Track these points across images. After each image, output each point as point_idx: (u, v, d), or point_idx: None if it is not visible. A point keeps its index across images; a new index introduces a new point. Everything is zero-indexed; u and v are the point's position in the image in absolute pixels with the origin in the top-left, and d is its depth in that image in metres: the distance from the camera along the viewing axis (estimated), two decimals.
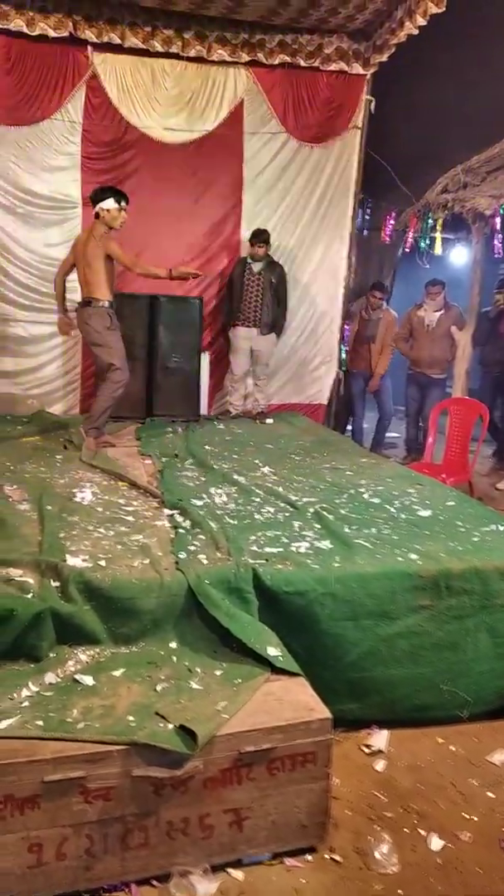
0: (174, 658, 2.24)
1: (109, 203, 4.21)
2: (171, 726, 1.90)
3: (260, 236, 5.36)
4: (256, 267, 5.43)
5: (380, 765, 2.36)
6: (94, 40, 5.12)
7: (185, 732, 1.86)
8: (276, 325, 5.56)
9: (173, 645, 2.30)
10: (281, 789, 1.95)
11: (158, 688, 2.08)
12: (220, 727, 1.90)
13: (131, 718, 1.92)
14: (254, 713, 1.98)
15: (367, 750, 2.43)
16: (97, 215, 4.25)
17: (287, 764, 1.95)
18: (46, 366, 5.47)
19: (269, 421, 5.48)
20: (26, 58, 5.05)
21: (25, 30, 4.95)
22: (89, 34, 5.10)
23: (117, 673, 2.15)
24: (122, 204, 4.24)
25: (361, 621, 2.41)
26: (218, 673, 2.17)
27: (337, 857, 1.97)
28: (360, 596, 2.40)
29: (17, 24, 4.94)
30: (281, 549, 2.61)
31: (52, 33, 5.02)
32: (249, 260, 5.45)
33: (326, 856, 1.98)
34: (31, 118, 5.14)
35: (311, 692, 2.08)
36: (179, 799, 1.86)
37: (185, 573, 2.36)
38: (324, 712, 1.99)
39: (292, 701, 2.04)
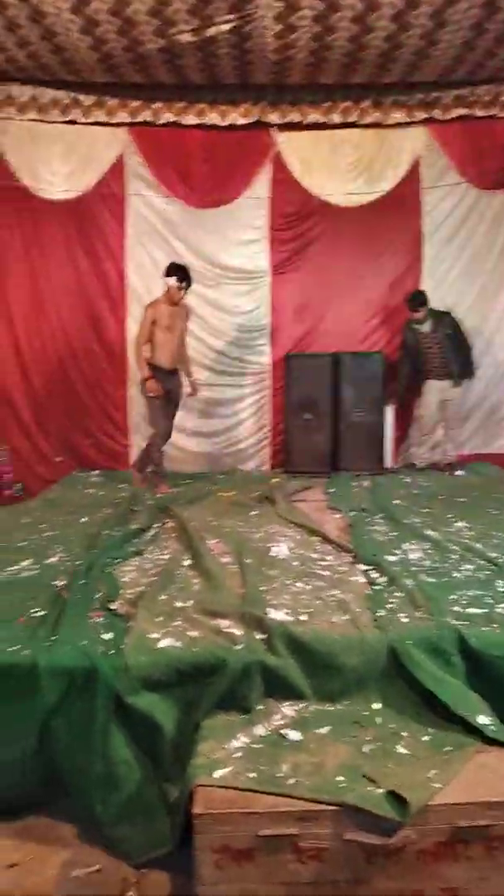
0: (378, 719, 2.21)
1: (171, 281, 4.70)
2: (380, 791, 1.86)
3: (416, 300, 5.31)
4: (425, 328, 5.36)
5: None
6: (278, 122, 5.51)
7: (396, 799, 1.82)
8: (466, 372, 5.42)
9: (377, 705, 2.26)
10: (501, 871, 1.82)
11: (365, 749, 2.06)
12: (433, 796, 1.83)
13: (340, 778, 1.92)
14: (468, 785, 1.89)
15: None
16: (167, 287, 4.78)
17: None
18: (239, 426, 5.78)
19: (460, 473, 5.30)
20: (218, 146, 5.55)
21: (218, 122, 5.46)
22: (273, 117, 5.50)
23: (323, 730, 2.15)
24: (183, 284, 4.73)
25: None
26: (425, 739, 2.11)
27: None
28: None
29: (212, 118, 5.47)
30: (486, 611, 2.50)
31: (241, 121, 5.49)
32: (414, 325, 5.39)
33: None
34: (224, 199, 5.59)
35: None
36: (392, 869, 1.80)
37: (386, 632, 2.34)
38: None
39: None
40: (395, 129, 5.58)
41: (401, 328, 5.72)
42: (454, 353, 5.33)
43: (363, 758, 2.02)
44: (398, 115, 5.51)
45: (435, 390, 5.42)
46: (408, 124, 5.55)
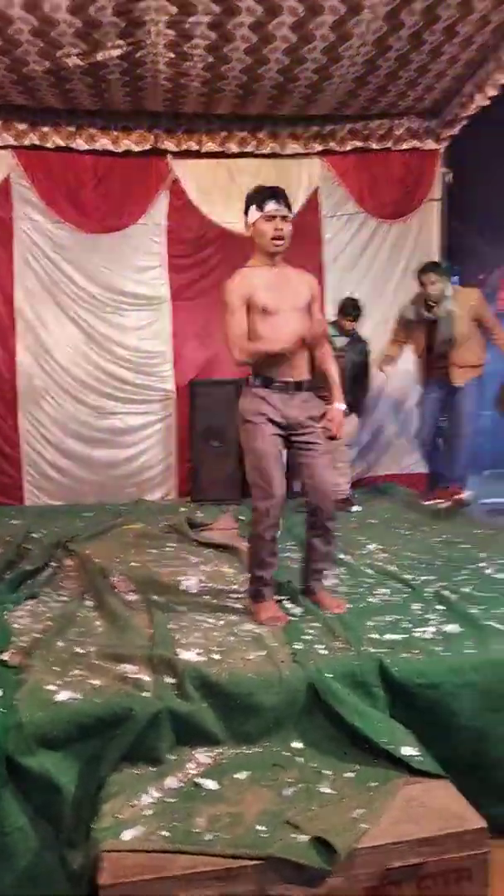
0: (300, 759, 2.08)
1: (251, 214, 2.67)
2: (305, 838, 1.73)
3: (354, 307, 4.87)
4: (339, 342, 4.93)
5: None
6: (174, 149, 5.45)
7: (322, 845, 1.69)
8: (354, 405, 4.93)
9: (298, 745, 2.13)
10: None
11: (286, 792, 1.92)
12: (360, 838, 1.72)
13: (262, 828, 1.77)
14: (396, 822, 1.79)
15: None
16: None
17: (440, 882, 1.73)
18: (143, 454, 5.58)
19: (356, 509, 4.88)
20: (112, 172, 5.41)
21: (111, 147, 5.35)
22: (169, 145, 5.43)
23: (241, 776, 2.00)
24: (268, 207, 2.62)
25: None
26: (349, 776, 1.99)
27: None
28: (501, 685, 2.18)
29: (104, 143, 5.34)
30: (405, 636, 2.44)
31: (135, 148, 5.39)
32: (333, 333, 4.87)
33: None
34: (119, 225, 5.44)
35: (459, 796, 1.87)
36: None
37: (304, 666, 2.22)
38: (477, 820, 1.78)
39: (439, 807, 1.83)
40: (293, 160, 5.66)
41: None
42: (352, 382, 4.93)
43: (285, 802, 1.88)
44: (295, 146, 5.58)
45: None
46: (305, 155, 5.64)
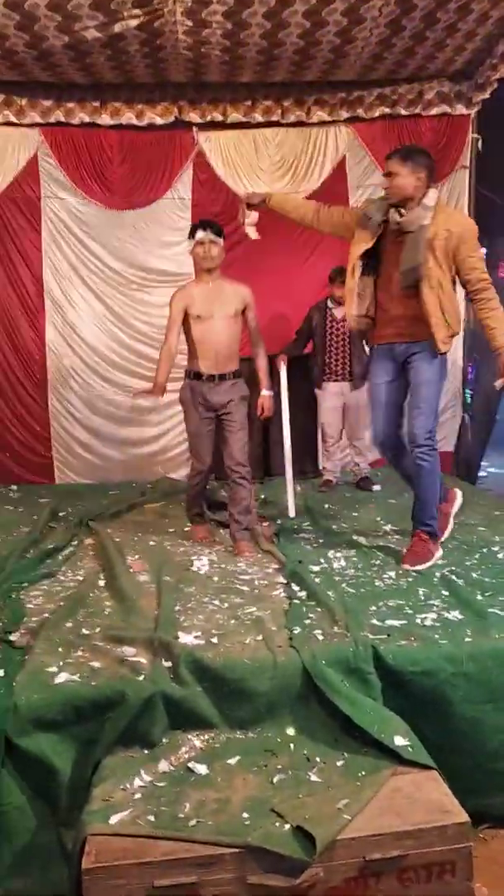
0: (292, 746, 2.09)
1: (191, 244, 3.46)
2: (287, 827, 1.74)
3: (338, 273, 4.61)
4: (339, 312, 4.79)
5: None
6: (199, 121, 5.36)
7: (303, 834, 1.70)
8: (367, 376, 4.62)
9: (291, 731, 2.14)
10: None
11: (275, 779, 1.94)
12: (342, 829, 1.72)
13: (246, 816, 1.79)
14: (380, 813, 1.78)
15: None
16: None
17: (422, 875, 1.73)
18: (168, 433, 5.61)
19: (377, 488, 4.80)
20: (137, 147, 5.37)
21: (135, 122, 5.29)
22: (193, 116, 5.34)
23: (232, 761, 2.02)
24: (197, 235, 3.39)
25: (502, 703, 2.14)
26: (339, 764, 2.00)
27: None
28: (498, 675, 2.14)
29: (128, 117, 5.29)
30: (405, 622, 2.41)
31: (159, 121, 5.32)
32: (330, 304, 4.87)
33: None
34: (145, 201, 5.41)
35: (446, 789, 1.85)
36: None
37: (300, 652, 2.22)
38: (460, 815, 1.76)
39: (424, 800, 1.82)
40: (319, 128, 5.50)
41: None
42: (359, 350, 4.77)
43: (272, 789, 1.90)
44: (321, 114, 5.42)
45: (332, 394, 4.89)
46: (331, 123, 5.48)
